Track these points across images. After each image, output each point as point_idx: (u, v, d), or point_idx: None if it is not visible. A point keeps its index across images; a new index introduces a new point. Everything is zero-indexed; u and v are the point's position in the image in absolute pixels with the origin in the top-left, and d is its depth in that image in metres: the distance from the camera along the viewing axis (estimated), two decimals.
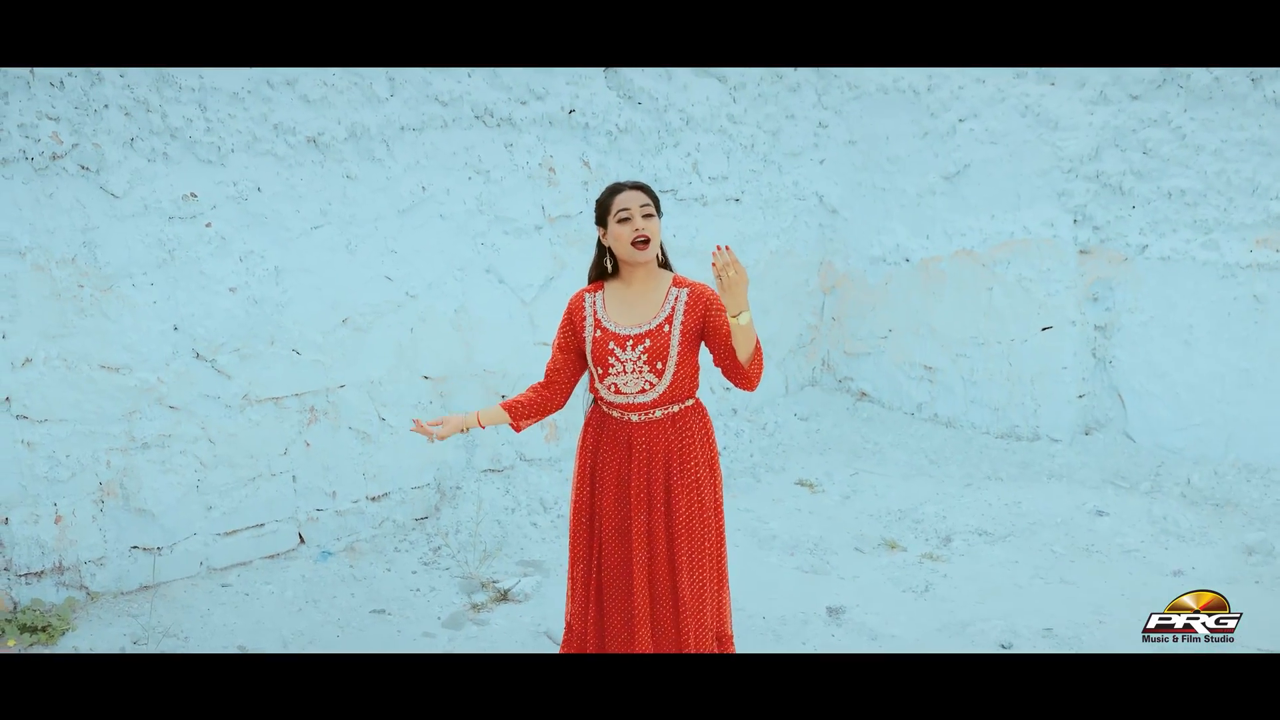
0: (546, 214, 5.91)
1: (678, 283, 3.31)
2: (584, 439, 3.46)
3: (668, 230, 6.52)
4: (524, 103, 5.74)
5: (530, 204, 5.83)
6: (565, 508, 5.62)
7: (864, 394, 7.61)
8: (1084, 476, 6.29)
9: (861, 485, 6.34)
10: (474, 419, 3.46)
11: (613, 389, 3.31)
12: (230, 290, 4.76)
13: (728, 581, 3.50)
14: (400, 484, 5.44)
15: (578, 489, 3.46)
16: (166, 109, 4.51)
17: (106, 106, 4.35)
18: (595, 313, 3.35)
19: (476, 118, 5.56)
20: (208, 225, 4.67)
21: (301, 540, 5.11)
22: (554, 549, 5.29)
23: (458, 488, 5.61)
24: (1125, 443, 6.53)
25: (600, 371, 3.31)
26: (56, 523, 4.38)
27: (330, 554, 5.08)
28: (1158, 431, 6.40)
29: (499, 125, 5.65)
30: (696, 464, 3.33)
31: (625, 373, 3.26)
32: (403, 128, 5.27)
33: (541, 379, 3.50)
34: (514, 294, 5.82)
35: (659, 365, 3.23)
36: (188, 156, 4.60)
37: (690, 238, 6.65)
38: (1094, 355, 6.60)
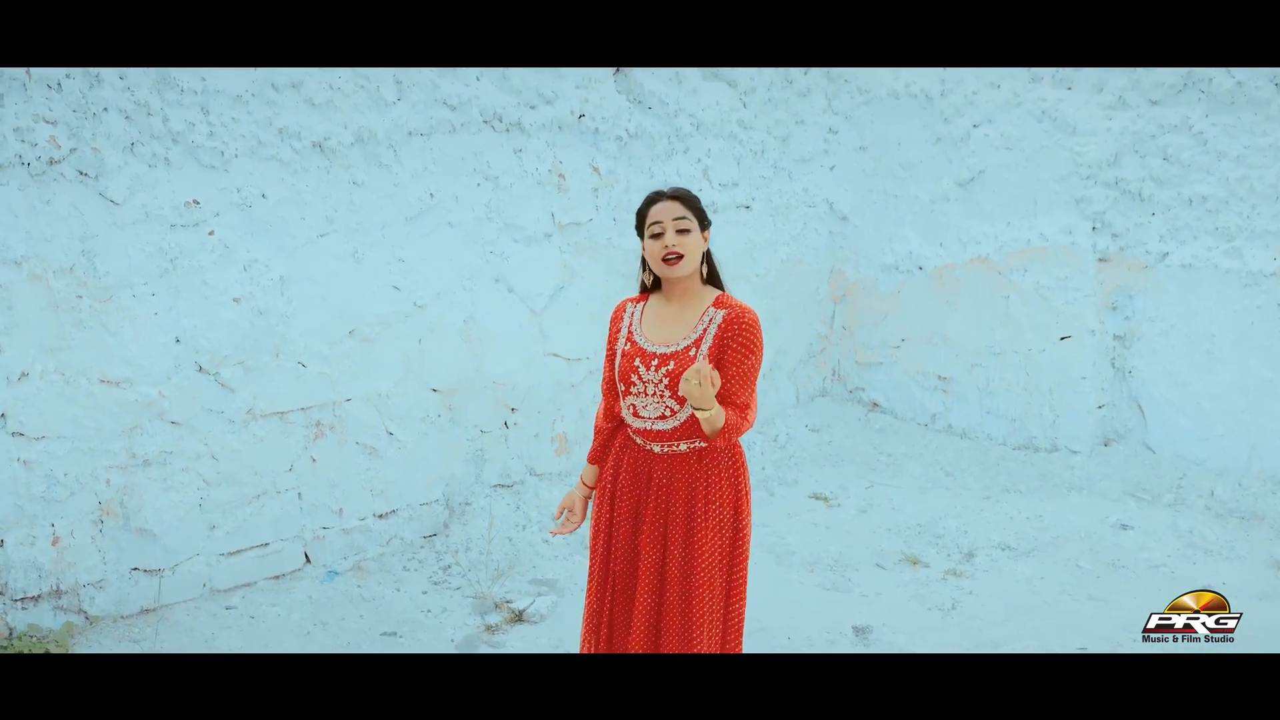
0: (556, 221, 5.75)
1: (719, 303, 3.04)
2: (609, 457, 3.26)
3: None
4: (533, 107, 5.58)
5: (540, 211, 5.67)
6: None
7: (876, 404, 7.46)
8: (1105, 489, 6.16)
9: (877, 498, 6.19)
10: (585, 489, 3.36)
11: (632, 410, 3.08)
12: (234, 301, 4.59)
13: (738, 645, 3.19)
14: (408, 500, 5.26)
15: (597, 512, 3.26)
16: (168, 112, 4.34)
17: (106, 109, 4.18)
18: (630, 324, 3.14)
19: (485, 122, 5.40)
20: (210, 233, 4.50)
21: (307, 560, 4.93)
22: (568, 567, 5.12)
23: (467, 504, 5.44)
24: (1145, 454, 6.39)
25: (623, 389, 3.09)
26: (54, 544, 4.20)
27: (337, 574, 4.90)
28: (1179, 442, 6.27)
29: (508, 130, 5.49)
30: (721, 507, 3.07)
31: (646, 395, 3.03)
32: (410, 132, 5.11)
33: (601, 411, 3.32)
34: (524, 303, 5.65)
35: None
36: (190, 162, 4.42)
37: None
38: (1113, 365, 6.47)
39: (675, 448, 3.07)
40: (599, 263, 5.96)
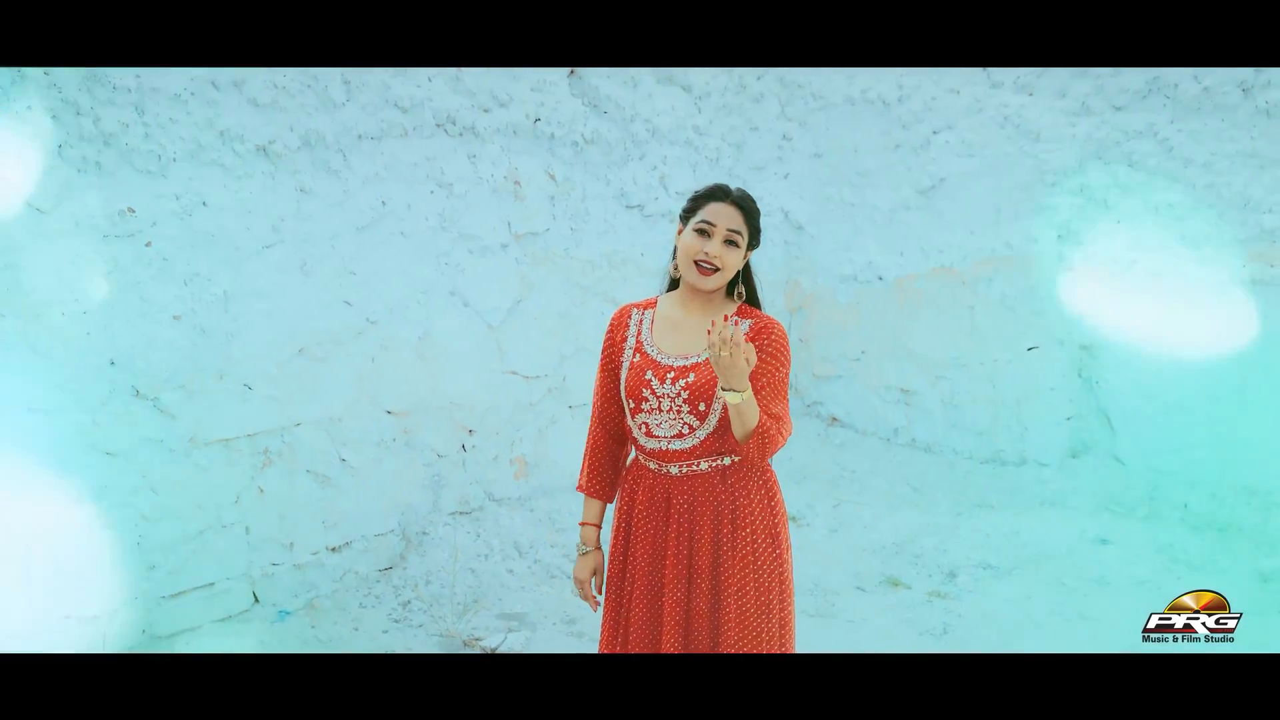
0: (512, 231, 5.43)
1: (744, 313, 2.76)
2: (621, 492, 2.92)
3: (636, 248, 6.10)
4: (487, 110, 5.27)
5: (495, 220, 5.35)
6: (542, 552, 5.14)
7: (835, 419, 7.26)
8: (1077, 502, 6.02)
9: (847, 517, 5.97)
10: (594, 534, 2.98)
11: (644, 429, 2.75)
12: (174, 318, 4.18)
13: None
14: (362, 531, 4.88)
15: (612, 555, 2.92)
16: (99, 112, 3.93)
17: (30, 109, 3.76)
18: (639, 333, 2.82)
19: (438, 126, 5.07)
20: (147, 244, 4.09)
21: (256, 600, 4.53)
22: (535, 598, 4.80)
23: (424, 533, 5.08)
24: (1115, 466, 6.27)
25: (632, 406, 2.76)
26: None
27: (288, 614, 4.51)
28: (1148, 453, 6.15)
29: (461, 134, 5.17)
30: (754, 532, 2.74)
31: (660, 411, 2.71)
32: (360, 136, 4.76)
33: (595, 430, 2.96)
34: (480, 318, 5.32)
35: (701, 406, 2.67)
36: (124, 166, 4.01)
37: (657, 257, 6.23)
38: (1080, 375, 6.34)
39: (696, 467, 2.75)
40: (557, 275, 5.66)
